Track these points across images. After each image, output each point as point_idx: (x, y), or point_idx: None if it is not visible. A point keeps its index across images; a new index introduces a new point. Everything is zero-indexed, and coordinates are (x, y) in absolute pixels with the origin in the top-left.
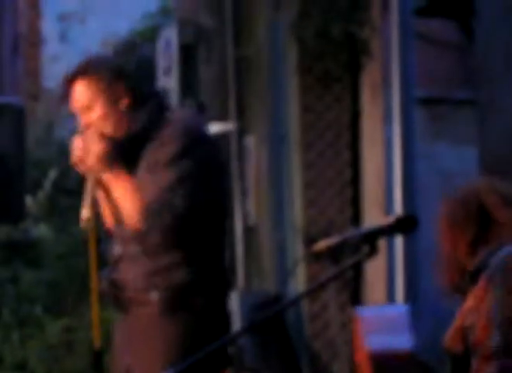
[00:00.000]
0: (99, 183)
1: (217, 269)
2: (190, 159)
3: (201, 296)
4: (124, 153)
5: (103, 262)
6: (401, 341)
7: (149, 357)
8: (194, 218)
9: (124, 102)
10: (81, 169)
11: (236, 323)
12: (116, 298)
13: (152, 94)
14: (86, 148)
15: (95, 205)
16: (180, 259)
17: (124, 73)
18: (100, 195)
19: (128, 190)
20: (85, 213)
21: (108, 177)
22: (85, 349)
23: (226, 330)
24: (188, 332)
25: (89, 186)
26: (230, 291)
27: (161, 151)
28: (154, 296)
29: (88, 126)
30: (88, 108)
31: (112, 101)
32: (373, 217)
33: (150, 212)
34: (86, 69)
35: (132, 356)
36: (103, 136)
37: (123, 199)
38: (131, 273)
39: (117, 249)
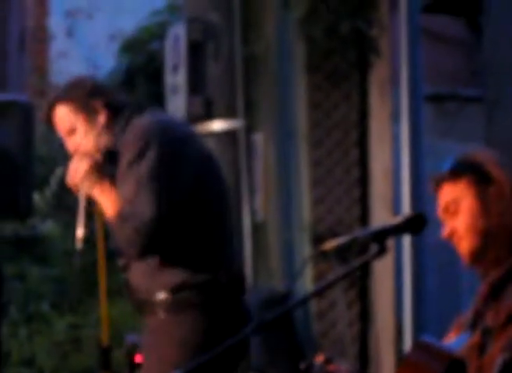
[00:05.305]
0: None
1: (221, 265)
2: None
3: (205, 294)
4: (106, 166)
5: (111, 259)
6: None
7: (155, 360)
8: (173, 215)
9: (102, 118)
10: (75, 190)
11: None
12: (132, 299)
13: (125, 106)
14: (76, 169)
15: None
16: (172, 258)
17: (98, 90)
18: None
19: (113, 203)
20: (80, 232)
21: (96, 193)
22: (93, 346)
23: (239, 327)
24: (195, 332)
25: (81, 205)
26: (243, 288)
27: (124, 156)
28: (160, 296)
29: (76, 148)
30: (72, 131)
31: (91, 118)
32: (381, 216)
33: (122, 222)
34: (63, 93)
35: (143, 358)
36: (87, 153)
37: (109, 212)
38: (140, 274)
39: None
